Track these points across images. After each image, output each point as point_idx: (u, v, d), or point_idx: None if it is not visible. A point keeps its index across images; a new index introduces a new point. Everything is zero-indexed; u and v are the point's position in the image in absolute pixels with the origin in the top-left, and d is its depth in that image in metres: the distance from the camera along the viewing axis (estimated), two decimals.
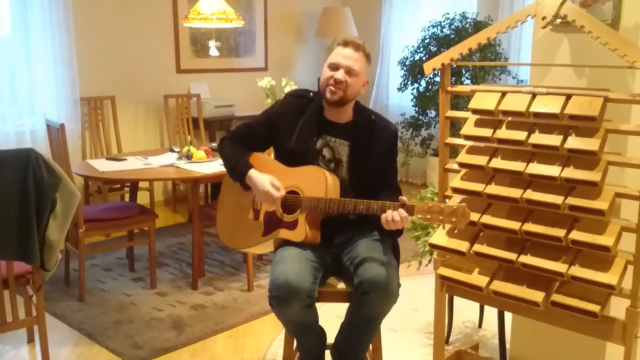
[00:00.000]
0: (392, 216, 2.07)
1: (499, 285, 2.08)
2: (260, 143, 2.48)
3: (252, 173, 2.32)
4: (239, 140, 2.45)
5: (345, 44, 2.29)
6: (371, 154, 2.32)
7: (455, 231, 2.17)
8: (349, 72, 2.25)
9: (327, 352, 2.40)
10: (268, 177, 2.30)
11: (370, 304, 2.13)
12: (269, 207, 2.33)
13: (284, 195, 2.28)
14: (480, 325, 3.15)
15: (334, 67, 2.27)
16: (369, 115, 2.38)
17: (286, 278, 2.08)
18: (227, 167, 2.44)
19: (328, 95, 2.27)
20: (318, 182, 2.23)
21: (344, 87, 2.25)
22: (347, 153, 2.33)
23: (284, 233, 2.27)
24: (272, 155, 2.58)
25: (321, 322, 2.31)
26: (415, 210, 2.03)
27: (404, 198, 2.09)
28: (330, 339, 2.38)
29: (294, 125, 2.35)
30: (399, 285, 2.17)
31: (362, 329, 2.25)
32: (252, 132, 2.45)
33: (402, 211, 2.07)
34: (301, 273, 2.12)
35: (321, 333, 2.36)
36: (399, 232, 2.25)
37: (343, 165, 2.33)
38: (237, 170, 2.37)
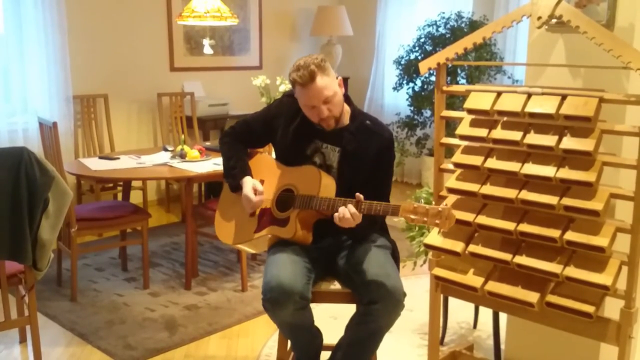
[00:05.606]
0: (343, 213, 2.04)
1: (493, 286, 2.07)
2: (257, 140, 2.49)
3: (245, 180, 2.34)
4: (238, 137, 2.48)
5: (302, 84, 2.15)
6: (361, 161, 2.26)
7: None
8: (326, 101, 2.19)
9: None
10: (252, 182, 2.32)
11: (376, 315, 2.09)
12: (263, 205, 2.33)
13: (262, 200, 2.29)
14: (475, 326, 3.15)
15: (311, 107, 2.21)
16: (364, 121, 2.31)
17: (279, 280, 2.07)
18: (224, 165, 2.46)
19: (325, 127, 2.26)
20: (312, 181, 2.22)
21: (332, 114, 2.22)
22: (337, 159, 2.29)
23: (274, 230, 2.26)
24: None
25: (316, 323, 2.29)
26: (400, 210, 1.97)
27: (360, 195, 2.06)
28: (326, 339, 2.36)
29: (287, 128, 2.34)
30: (405, 295, 2.12)
31: (365, 346, 2.21)
32: (249, 130, 2.47)
33: (350, 207, 2.04)
34: (294, 275, 2.10)
35: (317, 334, 2.34)
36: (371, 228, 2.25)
37: (333, 171, 2.29)
38: (233, 173, 2.39)
